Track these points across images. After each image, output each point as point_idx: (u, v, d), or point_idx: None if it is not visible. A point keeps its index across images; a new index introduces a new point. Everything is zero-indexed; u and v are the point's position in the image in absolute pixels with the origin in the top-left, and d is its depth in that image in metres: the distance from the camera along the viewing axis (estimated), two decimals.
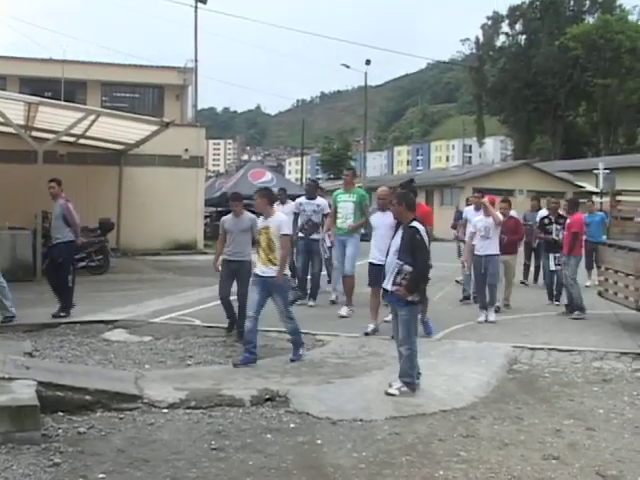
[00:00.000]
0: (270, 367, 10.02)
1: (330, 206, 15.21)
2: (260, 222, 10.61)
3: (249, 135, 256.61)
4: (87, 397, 7.90)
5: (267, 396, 8.44)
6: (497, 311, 14.51)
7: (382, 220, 12.30)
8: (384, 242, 11.69)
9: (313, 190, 16.33)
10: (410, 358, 8.84)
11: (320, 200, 15.99)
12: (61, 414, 7.61)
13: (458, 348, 11.47)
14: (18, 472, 6.11)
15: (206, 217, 36.00)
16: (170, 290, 17.60)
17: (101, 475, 6.18)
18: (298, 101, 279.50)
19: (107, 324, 13.15)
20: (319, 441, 7.19)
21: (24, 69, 34.13)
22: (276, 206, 17.90)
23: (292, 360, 10.32)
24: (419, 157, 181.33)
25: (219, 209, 37.14)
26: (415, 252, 8.79)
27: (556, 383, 9.76)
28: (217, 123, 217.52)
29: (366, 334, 12.12)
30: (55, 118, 21.50)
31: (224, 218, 12.24)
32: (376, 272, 11.66)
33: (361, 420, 7.84)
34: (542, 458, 6.82)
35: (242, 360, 10.05)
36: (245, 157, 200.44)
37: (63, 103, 23.03)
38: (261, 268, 10.32)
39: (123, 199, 28.72)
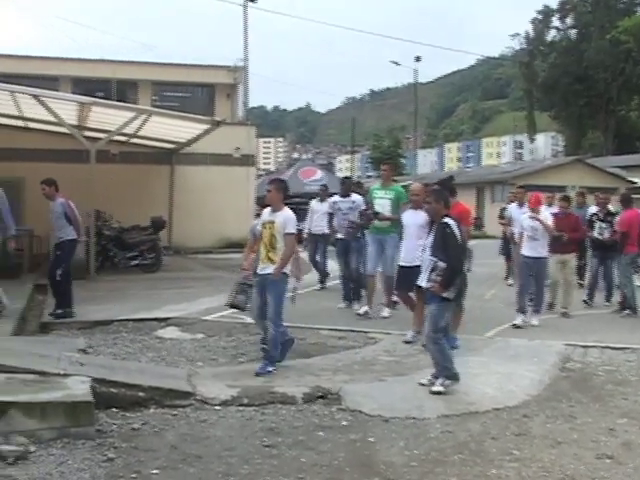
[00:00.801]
0: (322, 365, 10.02)
1: (367, 203, 14.30)
2: (266, 215, 9.91)
3: (299, 133, 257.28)
4: (140, 394, 7.99)
5: (319, 394, 8.46)
6: (565, 315, 14.25)
7: (413, 219, 11.73)
8: (413, 242, 11.41)
9: (347, 187, 15.62)
10: (440, 352, 8.80)
11: (355, 197, 15.21)
12: (115, 410, 7.70)
13: (510, 346, 11.41)
14: (73, 467, 6.20)
15: (257, 215, 36.09)
16: (222, 288, 17.56)
17: (155, 471, 6.25)
18: (348, 99, 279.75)
19: (160, 322, 13.27)
20: (371, 439, 7.20)
21: (76, 70, 34.45)
22: (315, 202, 17.86)
23: (257, 374, 9.34)
24: (470, 154, 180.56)
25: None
26: (447, 247, 8.74)
27: (610, 381, 9.65)
28: (267, 121, 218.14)
29: (407, 342, 11.46)
30: (107, 118, 21.70)
31: (254, 223, 11.53)
32: (404, 275, 11.47)
33: (413, 418, 7.85)
34: (595, 457, 6.76)
35: (261, 368, 9.51)
36: (295, 155, 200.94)
37: (115, 103, 23.23)
38: (260, 266, 9.75)
39: (175, 197, 28.94)
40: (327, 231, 16.77)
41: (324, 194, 18.09)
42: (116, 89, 33.46)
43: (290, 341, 10.23)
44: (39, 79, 30.74)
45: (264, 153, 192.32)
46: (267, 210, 9.95)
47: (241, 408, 8.05)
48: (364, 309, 13.80)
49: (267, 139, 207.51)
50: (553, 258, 14.18)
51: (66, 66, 34.37)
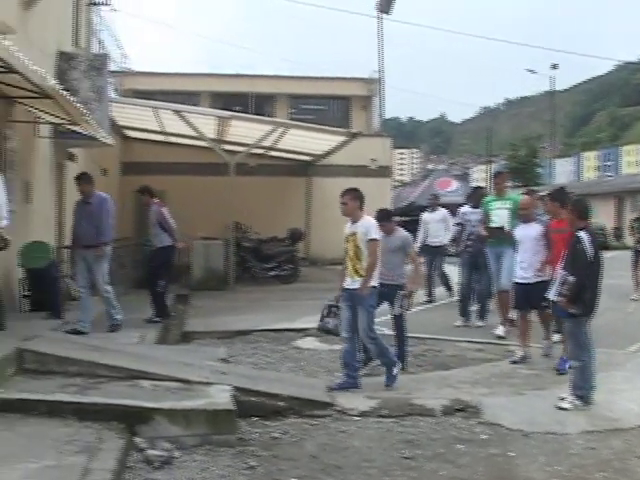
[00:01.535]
0: (460, 377, 9.97)
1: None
2: (347, 228, 9.45)
3: (434, 144, 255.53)
4: (280, 403, 8.08)
5: (458, 406, 8.39)
6: None
7: (526, 233, 11.13)
8: (529, 257, 10.90)
9: (479, 198, 14.72)
10: (581, 370, 8.60)
11: None
12: (255, 419, 7.81)
13: None
14: (216, 473, 6.34)
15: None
16: None
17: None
18: (483, 108, 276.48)
19: (298, 332, 13.40)
20: (511, 453, 7.10)
21: (215, 85, 35.21)
22: (426, 214, 17.47)
23: (387, 386, 9.35)
24: (608, 162, 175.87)
25: (405, 218, 37.18)
26: (575, 263, 8.57)
27: None
28: (402, 133, 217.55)
29: (513, 362, 10.92)
30: (245, 131, 22.07)
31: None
32: (521, 292, 10.98)
33: (554, 433, 7.70)
34: None
35: (339, 385, 9.22)
36: (430, 166, 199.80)
37: (253, 117, 23.65)
38: (347, 280, 9.36)
39: (312, 209, 29.18)
40: (444, 242, 16.56)
41: (434, 203, 17.82)
42: (254, 103, 34.10)
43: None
44: (181, 95, 31.62)
45: (399, 164, 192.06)
46: (348, 224, 9.54)
47: (380, 419, 8.06)
48: (503, 330, 13.01)
49: (402, 150, 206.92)
50: None
51: (206, 82, 35.22)
